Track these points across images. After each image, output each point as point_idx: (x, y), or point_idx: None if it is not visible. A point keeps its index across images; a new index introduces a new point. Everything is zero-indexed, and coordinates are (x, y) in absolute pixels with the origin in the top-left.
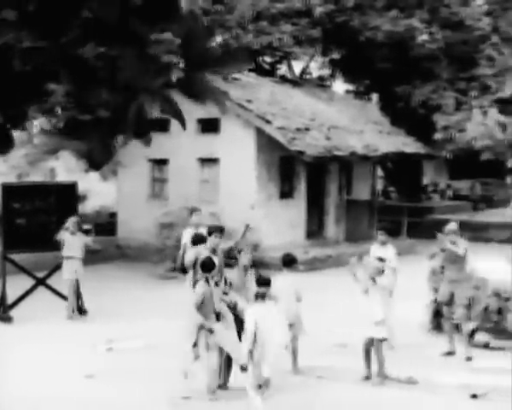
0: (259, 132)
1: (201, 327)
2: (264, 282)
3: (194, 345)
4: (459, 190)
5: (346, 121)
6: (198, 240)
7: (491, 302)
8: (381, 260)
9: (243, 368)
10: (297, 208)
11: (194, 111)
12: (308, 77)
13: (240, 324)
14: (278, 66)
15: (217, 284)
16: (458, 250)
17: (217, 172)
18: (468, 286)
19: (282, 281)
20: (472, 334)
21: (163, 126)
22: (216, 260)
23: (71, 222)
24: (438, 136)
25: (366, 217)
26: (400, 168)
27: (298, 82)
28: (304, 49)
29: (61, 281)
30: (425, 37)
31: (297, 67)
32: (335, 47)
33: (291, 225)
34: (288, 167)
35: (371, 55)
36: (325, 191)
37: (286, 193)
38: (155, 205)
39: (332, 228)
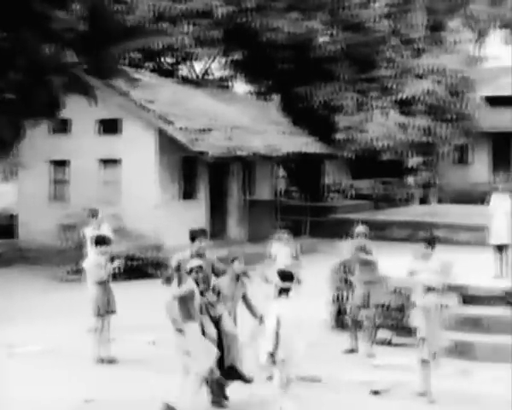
0: (161, 133)
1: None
2: (287, 276)
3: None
4: (360, 190)
5: (248, 122)
6: (100, 241)
7: (393, 299)
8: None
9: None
10: (199, 209)
11: (94, 112)
12: (210, 78)
13: (219, 339)
14: (179, 66)
15: (203, 294)
16: (370, 257)
17: (118, 174)
18: (382, 288)
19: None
20: (374, 331)
21: (63, 127)
22: (203, 265)
23: None
24: (339, 136)
25: (268, 217)
26: (302, 168)
27: (199, 83)
28: (205, 50)
29: None
30: (325, 38)
31: (198, 67)
32: (236, 48)
33: (193, 226)
34: (191, 168)
35: (272, 56)
36: (227, 192)
37: (188, 194)
38: (56, 207)
39: (234, 228)
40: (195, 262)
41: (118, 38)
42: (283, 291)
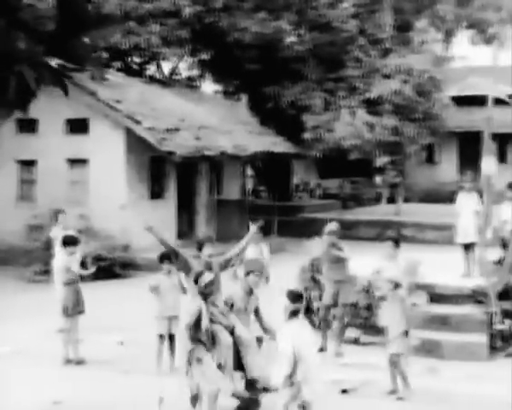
0: (129, 133)
1: (192, 354)
2: (297, 296)
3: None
4: (328, 189)
5: (216, 121)
6: (69, 242)
7: (361, 299)
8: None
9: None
10: (168, 209)
11: (62, 111)
12: (177, 77)
13: (236, 352)
14: (147, 66)
15: (215, 304)
16: (342, 254)
17: (86, 173)
18: (351, 286)
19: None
20: (343, 330)
21: (31, 127)
22: (211, 276)
23: None
24: (307, 135)
25: (237, 216)
26: (270, 168)
27: (167, 82)
28: (172, 50)
29: None
30: (293, 38)
31: (166, 67)
32: (204, 48)
33: (162, 226)
34: (159, 168)
35: (240, 56)
36: (196, 191)
37: (156, 193)
38: (24, 207)
39: (203, 228)
40: (208, 277)
41: (90, 25)
42: (294, 313)
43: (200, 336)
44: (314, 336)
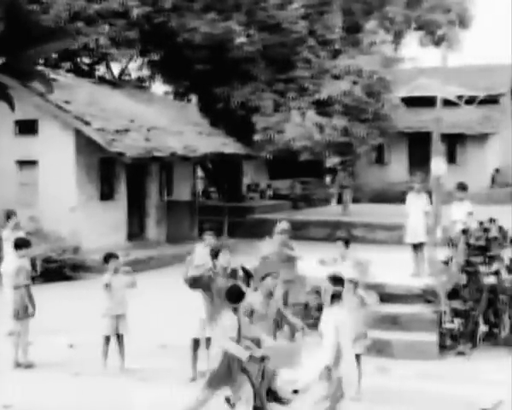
0: (79, 134)
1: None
2: (338, 280)
3: (228, 401)
4: (279, 190)
5: (166, 122)
6: (20, 244)
7: (311, 299)
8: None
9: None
10: (118, 210)
11: (11, 112)
12: (127, 78)
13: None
14: (97, 67)
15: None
16: (293, 253)
17: (36, 175)
18: (301, 287)
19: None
20: (293, 331)
21: None
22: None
23: None
24: (257, 137)
25: (187, 218)
26: (221, 169)
27: (117, 83)
28: (122, 51)
29: None
30: (243, 39)
31: (116, 68)
32: (154, 48)
33: (112, 227)
34: (109, 169)
35: (190, 57)
36: (146, 193)
37: (106, 195)
38: None
39: (153, 229)
40: (257, 299)
41: (35, 39)
42: (336, 297)
43: (246, 343)
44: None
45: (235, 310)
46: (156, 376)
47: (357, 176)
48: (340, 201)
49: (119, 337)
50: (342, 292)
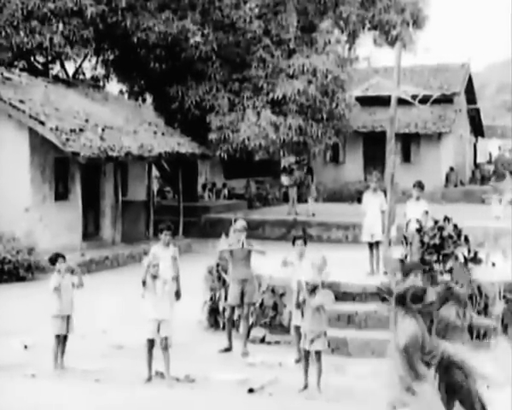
0: (33, 133)
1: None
2: (419, 297)
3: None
4: (234, 189)
5: (121, 122)
6: None
7: (267, 298)
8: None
9: None
10: (73, 210)
11: None
12: (82, 77)
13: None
14: (51, 66)
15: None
16: (255, 248)
17: None
18: (256, 285)
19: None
20: (248, 330)
21: None
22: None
23: None
24: (212, 136)
25: (142, 218)
26: (176, 168)
27: (71, 82)
28: (76, 50)
29: None
30: (198, 38)
31: (70, 67)
32: (108, 47)
33: (67, 228)
34: (63, 169)
35: (145, 56)
36: (101, 193)
37: (61, 195)
38: None
39: (108, 229)
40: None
41: None
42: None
43: (424, 357)
44: None
45: (414, 315)
46: (112, 377)
47: (312, 175)
48: (299, 200)
49: (65, 338)
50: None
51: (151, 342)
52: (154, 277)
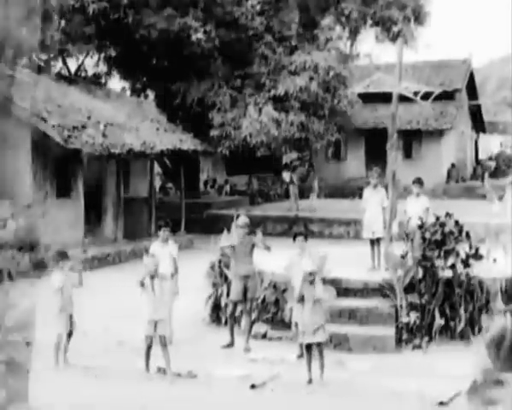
0: (35, 131)
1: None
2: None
3: None
4: (236, 186)
5: (123, 119)
6: None
7: (269, 294)
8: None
9: None
10: (75, 207)
11: None
12: (84, 74)
13: None
14: (53, 63)
15: None
16: (261, 244)
17: None
18: (258, 281)
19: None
20: (251, 326)
21: None
22: None
23: None
24: (214, 133)
25: (144, 214)
26: (178, 165)
27: (73, 79)
28: (78, 47)
29: None
30: (200, 35)
31: (72, 64)
32: (110, 44)
33: (69, 224)
34: (66, 166)
35: (147, 53)
36: (103, 189)
37: (63, 192)
38: None
39: (110, 226)
40: None
41: None
42: None
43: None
44: None
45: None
46: (112, 373)
47: (314, 171)
48: (301, 196)
49: (70, 335)
50: None
51: (149, 341)
52: (152, 277)
